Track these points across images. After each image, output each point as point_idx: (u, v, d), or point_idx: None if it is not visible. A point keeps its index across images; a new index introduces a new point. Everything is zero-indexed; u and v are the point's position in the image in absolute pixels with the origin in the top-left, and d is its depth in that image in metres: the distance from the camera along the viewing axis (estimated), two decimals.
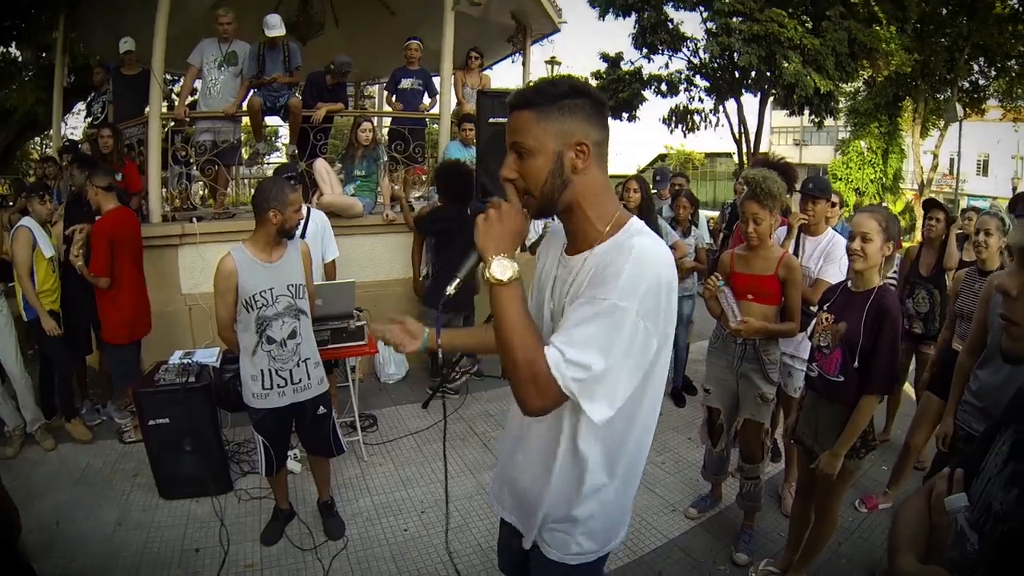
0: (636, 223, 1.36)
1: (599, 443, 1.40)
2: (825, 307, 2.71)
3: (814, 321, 2.79)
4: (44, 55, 9.85)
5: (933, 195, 21.77)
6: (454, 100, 6.78)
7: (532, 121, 1.28)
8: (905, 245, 5.58)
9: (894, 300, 2.56)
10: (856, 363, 2.52)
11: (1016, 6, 17.78)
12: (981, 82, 20.56)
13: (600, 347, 1.21)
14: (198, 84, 6.04)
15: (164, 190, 5.86)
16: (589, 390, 1.21)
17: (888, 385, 2.53)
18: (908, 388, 4.79)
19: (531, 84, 1.36)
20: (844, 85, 18.92)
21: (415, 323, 1.66)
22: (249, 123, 6.34)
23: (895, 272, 4.50)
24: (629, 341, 1.22)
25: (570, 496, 1.45)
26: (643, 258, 1.25)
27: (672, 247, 4.76)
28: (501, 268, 1.24)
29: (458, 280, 1.36)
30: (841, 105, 20.23)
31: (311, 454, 3.42)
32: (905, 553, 1.10)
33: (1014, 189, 24.59)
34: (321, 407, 3.21)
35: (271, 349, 2.97)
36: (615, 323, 1.21)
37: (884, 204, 17.69)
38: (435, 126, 6.59)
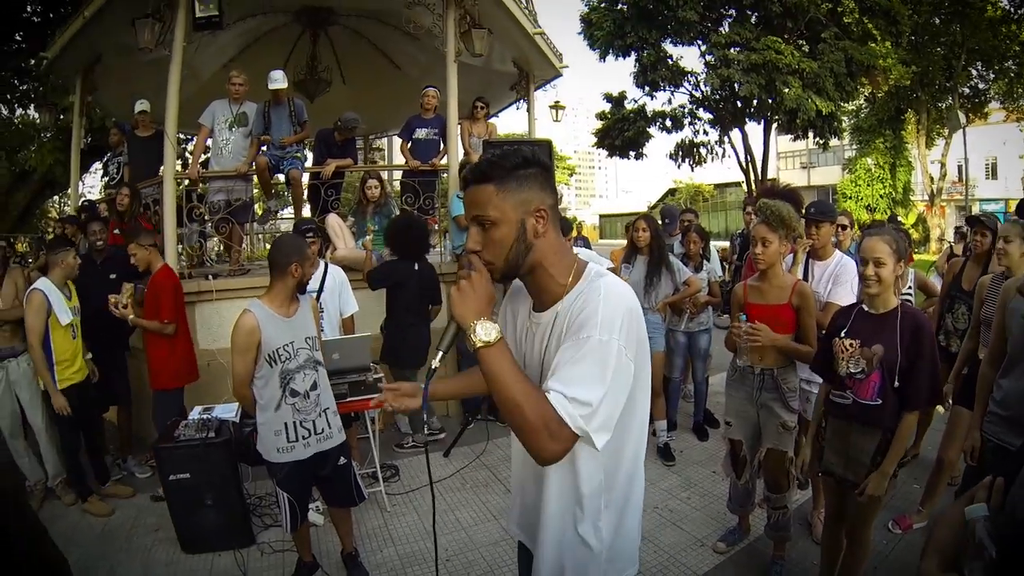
0: (594, 267, 1.48)
1: (594, 460, 1.46)
2: (843, 333, 2.65)
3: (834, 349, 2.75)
4: (62, 117, 10.17)
5: (945, 204, 21.66)
6: (462, 151, 6.80)
7: (493, 194, 1.37)
8: (917, 258, 5.55)
9: (923, 315, 2.58)
10: (896, 383, 2.48)
11: (1007, 7, 17.88)
12: (981, 86, 20.71)
13: (595, 381, 1.28)
14: (210, 143, 6.20)
15: (180, 247, 5.97)
16: (595, 423, 1.28)
17: (933, 398, 2.52)
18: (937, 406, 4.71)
19: (482, 159, 1.46)
20: (845, 104, 19.08)
21: (407, 385, 1.74)
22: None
23: (910, 288, 4.46)
24: (616, 371, 1.31)
25: (573, 514, 1.50)
26: (612, 295, 1.37)
27: (686, 283, 4.78)
28: (485, 331, 1.30)
29: (442, 354, 1.40)
30: (844, 124, 20.36)
31: (332, 506, 3.40)
32: (931, 556, 1.11)
33: None
34: (342, 457, 3.21)
35: (295, 402, 2.99)
36: (603, 357, 1.29)
37: (895, 216, 17.55)
38: (445, 176, 6.66)
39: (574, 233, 14.43)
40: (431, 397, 1.66)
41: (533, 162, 1.41)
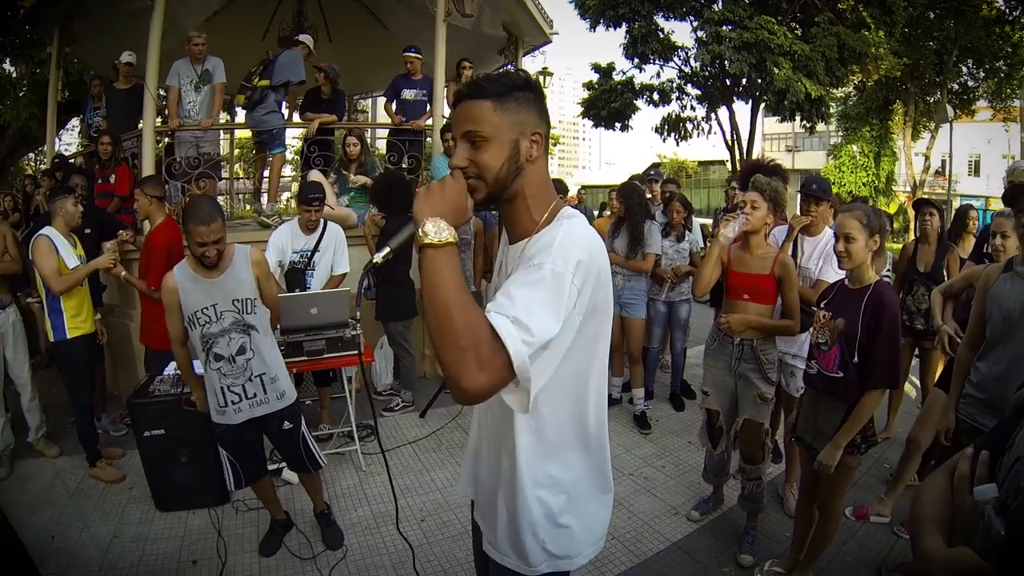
0: (569, 210, 1.41)
1: (544, 424, 1.38)
2: (822, 304, 2.72)
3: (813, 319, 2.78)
4: (38, 70, 9.85)
5: (926, 196, 21.84)
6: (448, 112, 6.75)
7: (489, 110, 1.29)
8: (894, 246, 5.59)
9: (891, 295, 2.57)
10: (855, 358, 2.52)
11: (1002, 8, 17.92)
12: (970, 83, 20.71)
13: (545, 311, 1.15)
14: None
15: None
16: (536, 360, 1.14)
17: (891, 379, 2.51)
18: (908, 387, 4.78)
19: (479, 77, 1.37)
20: (834, 90, 19.05)
21: None
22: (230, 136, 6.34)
23: (889, 270, 4.51)
24: (568, 309, 1.20)
25: (522, 491, 1.41)
26: (573, 233, 1.28)
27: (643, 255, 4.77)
28: (436, 229, 1.16)
29: (388, 249, 1.29)
30: (832, 110, 20.36)
31: (291, 470, 3.38)
32: (932, 535, 1.07)
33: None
34: (286, 422, 3.12)
35: (220, 366, 2.90)
36: (556, 287, 1.18)
37: (866, 200, 17.72)
38: (429, 140, 6.58)
39: (577, 199, 14.39)
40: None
41: (531, 86, 1.35)
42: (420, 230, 1.17)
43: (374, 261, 1.29)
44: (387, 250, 1.29)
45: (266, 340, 3.03)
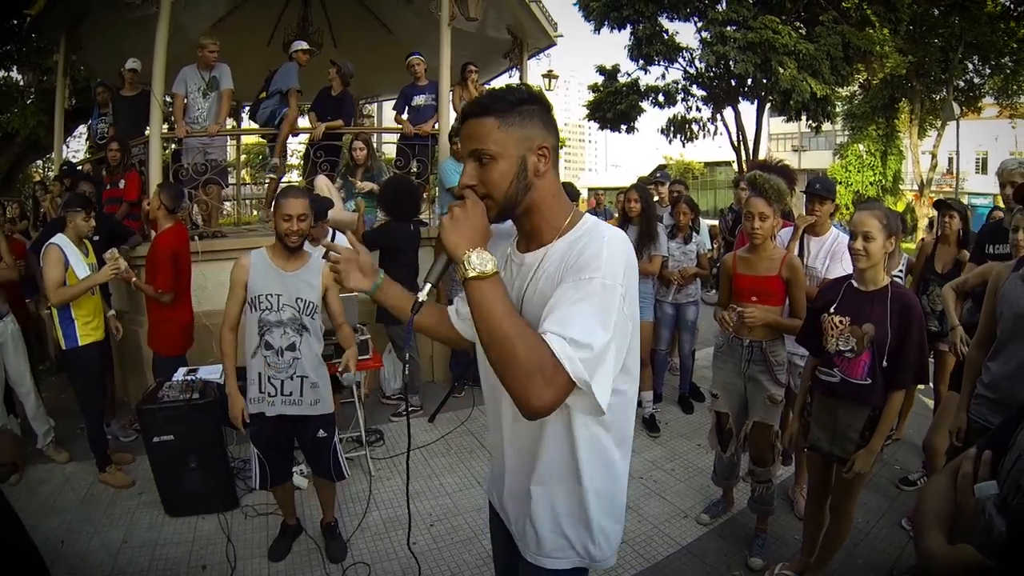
0: (591, 217, 1.41)
1: (596, 427, 1.38)
2: (832, 309, 2.62)
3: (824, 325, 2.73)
4: (45, 78, 9.91)
5: (934, 195, 21.72)
6: (454, 115, 6.76)
7: (494, 127, 1.28)
8: (905, 246, 5.56)
9: (914, 296, 2.57)
10: (884, 362, 2.49)
11: (1007, 3, 17.80)
12: (976, 80, 20.58)
13: (598, 326, 1.17)
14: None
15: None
16: (596, 372, 1.16)
17: (920, 377, 2.52)
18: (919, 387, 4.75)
19: (483, 95, 1.37)
20: (840, 89, 19.00)
21: (368, 258, 1.59)
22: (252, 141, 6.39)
23: (901, 269, 4.49)
24: (618, 320, 1.22)
25: (568, 491, 1.42)
26: (616, 242, 1.29)
27: (649, 258, 4.76)
28: (481, 261, 1.18)
29: (430, 286, 1.31)
30: (838, 109, 20.28)
31: (314, 474, 3.39)
32: (933, 533, 1.09)
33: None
34: (321, 430, 3.15)
35: (268, 355, 2.97)
36: (605, 301, 1.20)
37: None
38: (436, 146, 6.60)
39: (596, 203, 14.33)
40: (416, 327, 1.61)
41: (536, 99, 1.34)
42: (464, 262, 1.18)
43: (419, 299, 1.32)
44: (429, 286, 1.31)
45: (317, 347, 3.09)
